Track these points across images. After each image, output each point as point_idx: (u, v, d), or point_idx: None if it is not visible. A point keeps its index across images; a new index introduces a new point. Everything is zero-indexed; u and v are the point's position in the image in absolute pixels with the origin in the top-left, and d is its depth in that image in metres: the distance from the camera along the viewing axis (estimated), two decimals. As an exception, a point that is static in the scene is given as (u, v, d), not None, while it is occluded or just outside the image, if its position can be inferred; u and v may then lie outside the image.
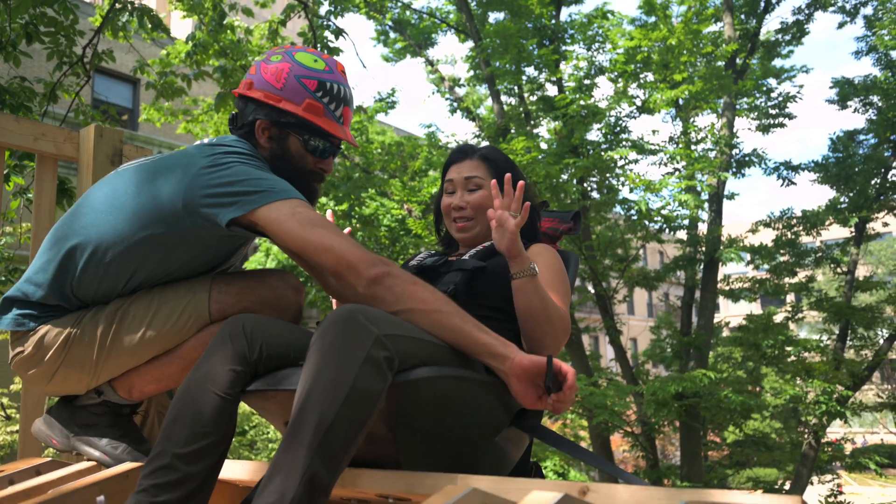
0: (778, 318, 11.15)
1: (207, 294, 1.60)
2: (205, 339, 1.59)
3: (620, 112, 10.26)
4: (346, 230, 1.76)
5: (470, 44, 11.23)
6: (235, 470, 1.52)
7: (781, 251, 10.90)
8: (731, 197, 11.00)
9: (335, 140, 1.75)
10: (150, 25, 4.96)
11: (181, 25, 17.44)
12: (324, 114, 1.69)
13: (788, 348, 10.32)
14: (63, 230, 1.65)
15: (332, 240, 1.46)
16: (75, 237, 1.61)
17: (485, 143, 10.98)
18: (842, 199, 10.68)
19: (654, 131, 11.01)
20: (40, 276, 1.63)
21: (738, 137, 10.89)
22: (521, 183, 1.56)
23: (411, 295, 1.41)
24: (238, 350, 1.37)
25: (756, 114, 11.38)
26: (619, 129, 10.26)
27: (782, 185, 10.79)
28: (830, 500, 10.59)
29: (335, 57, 6.80)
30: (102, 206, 1.63)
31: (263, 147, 1.71)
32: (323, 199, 10.72)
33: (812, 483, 11.04)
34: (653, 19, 10.63)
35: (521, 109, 11.01)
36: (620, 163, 9.95)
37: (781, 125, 11.34)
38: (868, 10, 10.80)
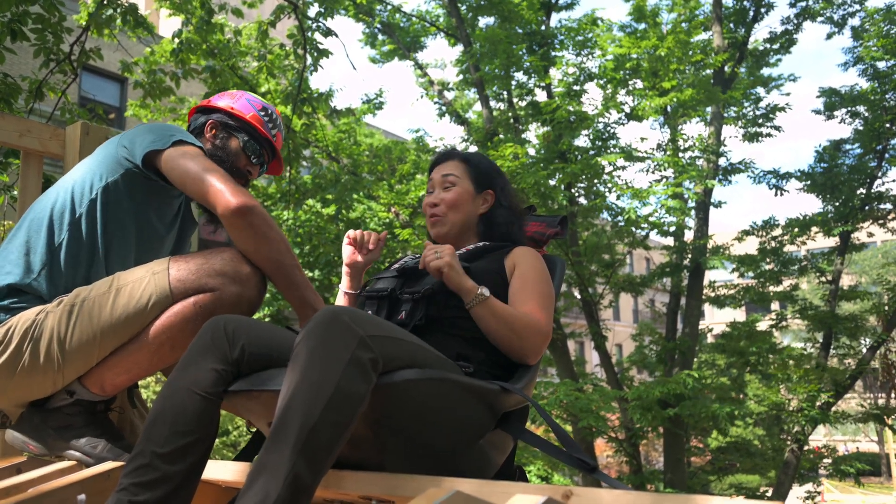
0: (762, 325, 11.22)
1: (167, 271, 1.63)
2: (170, 320, 1.60)
3: (609, 118, 10.32)
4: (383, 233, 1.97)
5: (459, 48, 11.25)
6: (219, 470, 1.51)
7: (767, 259, 10.98)
8: (718, 205, 11.08)
9: (268, 148, 2.03)
10: (133, 22, 4.93)
11: (168, 24, 17.36)
12: (264, 126, 2.01)
13: (772, 356, 10.39)
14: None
15: (206, 173, 1.67)
16: (31, 214, 1.77)
17: (473, 148, 11.00)
18: (827, 209, 10.77)
19: (642, 138, 11.09)
20: (8, 266, 1.70)
21: (725, 146, 10.98)
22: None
23: (268, 238, 1.63)
24: (220, 349, 1.37)
25: (743, 122, 11.48)
26: (607, 135, 10.32)
27: (775, 194, 10.87)
28: (809, 502, 10.69)
29: (324, 59, 6.80)
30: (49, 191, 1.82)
31: (207, 141, 1.98)
32: (310, 202, 10.70)
33: (795, 487, 11.12)
34: (642, 26, 10.70)
35: (510, 114, 11.04)
36: (608, 169, 10.00)
37: (769, 135, 11.44)
38: (855, 21, 10.93)
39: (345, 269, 1.90)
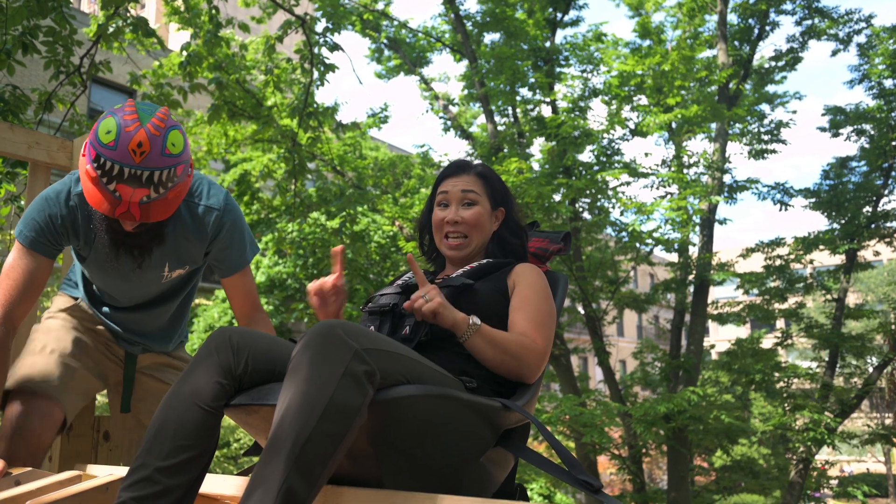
0: (767, 343, 11.16)
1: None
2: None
3: (613, 134, 10.35)
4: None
5: (465, 63, 11.31)
6: (218, 484, 1.50)
7: (773, 276, 10.95)
8: (723, 222, 11.07)
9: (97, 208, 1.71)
10: (143, 32, 4.98)
11: (177, 38, 17.50)
12: (97, 183, 1.66)
13: (777, 374, 10.34)
14: None
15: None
16: None
17: (477, 161, 11.03)
18: (833, 227, 10.75)
19: (646, 154, 11.10)
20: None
21: (730, 163, 10.98)
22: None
23: None
24: (223, 363, 1.37)
25: (748, 139, 11.48)
26: (611, 151, 10.34)
27: (780, 209, 10.87)
28: None
29: (331, 73, 6.79)
30: None
31: None
32: (314, 215, 10.72)
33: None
34: (647, 43, 10.74)
35: (515, 130, 11.08)
36: (613, 184, 10.02)
37: (774, 151, 11.44)
38: (861, 39, 10.95)
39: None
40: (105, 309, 2.08)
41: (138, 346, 2.14)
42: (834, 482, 11.32)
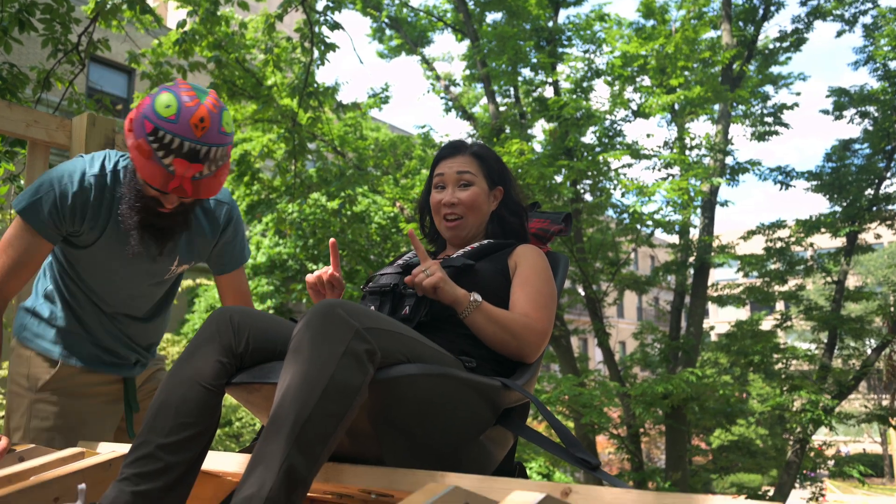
0: (766, 325, 11.19)
1: None
2: None
3: (616, 116, 10.30)
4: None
5: (466, 42, 11.23)
6: (221, 462, 1.51)
7: (773, 259, 10.96)
8: (725, 204, 11.06)
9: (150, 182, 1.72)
10: (139, 9, 4.94)
11: (177, 17, 17.31)
12: (151, 157, 1.66)
13: (776, 355, 10.39)
14: None
15: None
16: None
17: (473, 141, 11.00)
18: (835, 209, 10.74)
19: (648, 135, 11.07)
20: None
21: (732, 144, 10.95)
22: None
23: None
24: (225, 342, 1.37)
25: (751, 120, 11.44)
26: (613, 132, 10.30)
27: (780, 189, 10.87)
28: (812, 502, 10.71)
29: (331, 52, 6.73)
30: None
31: None
32: (315, 195, 10.70)
33: (796, 488, 11.11)
34: (651, 23, 10.66)
35: (517, 111, 11.03)
36: (614, 166, 10.00)
37: (777, 133, 11.40)
38: (867, 20, 10.86)
39: None
40: (107, 322, 2.00)
41: (138, 365, 2.09)
42: (830, 462, 11.38)
